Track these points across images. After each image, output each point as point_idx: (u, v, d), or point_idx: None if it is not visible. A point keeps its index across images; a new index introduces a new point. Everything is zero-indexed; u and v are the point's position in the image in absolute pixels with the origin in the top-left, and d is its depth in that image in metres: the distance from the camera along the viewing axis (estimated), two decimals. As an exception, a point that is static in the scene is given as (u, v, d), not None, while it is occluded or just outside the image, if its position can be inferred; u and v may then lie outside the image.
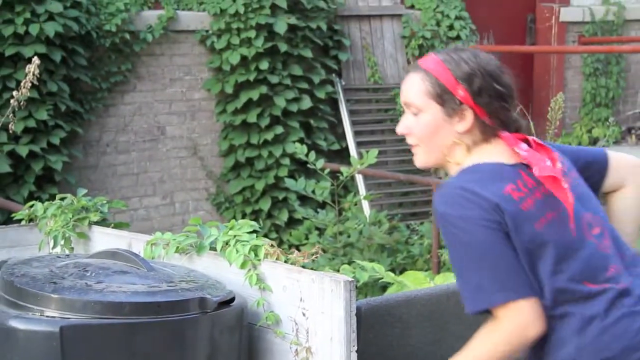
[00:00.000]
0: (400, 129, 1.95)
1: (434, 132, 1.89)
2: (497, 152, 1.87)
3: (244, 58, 6.86)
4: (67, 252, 2.87)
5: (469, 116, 1.87)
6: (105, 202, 3.00)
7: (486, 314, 1.80)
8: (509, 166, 1.84)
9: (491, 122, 1.87)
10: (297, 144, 5.17)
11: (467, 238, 1.76)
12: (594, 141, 8.34)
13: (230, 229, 2.42)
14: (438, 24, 7.81)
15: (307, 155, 4.98)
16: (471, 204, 1.77)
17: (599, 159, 2.03)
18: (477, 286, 1.76)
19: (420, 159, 1.95)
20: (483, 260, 1.76)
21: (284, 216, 6.93)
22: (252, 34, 6.80)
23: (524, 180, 1.82)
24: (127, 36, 6.57)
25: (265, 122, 6.88)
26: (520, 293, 1.75)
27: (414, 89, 1.91)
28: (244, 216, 6.91)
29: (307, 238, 6.33)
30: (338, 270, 3.16)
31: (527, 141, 1.89)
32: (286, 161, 6.88)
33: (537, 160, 1.81)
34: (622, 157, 2.06)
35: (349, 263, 3.98)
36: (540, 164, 1.80)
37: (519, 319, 1.75)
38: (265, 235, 6.68)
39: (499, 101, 1.87)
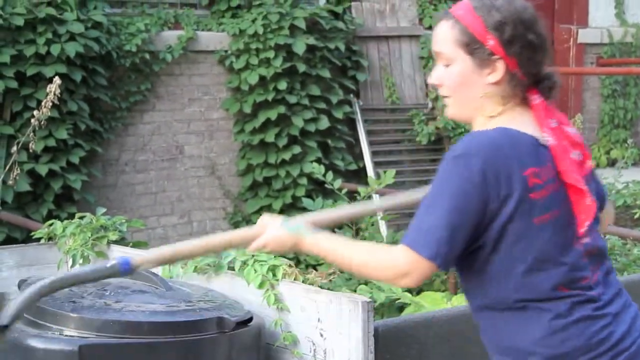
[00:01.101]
0: (432, 79, 1.85)
1: (464, 83, 1.80)
2: (529, 124, 1.78)
3: (262, 78, 6.89)
4: (86, 270, 2.88)
5: (500, 67, 1.77)
6: (123, 221, 3.02)
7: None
8: (543, 147, 1.75)
9: (522, 75, 1.78)
10: (315, 164, 5.17)
11: (456, 186, 1.69)
12: (612, 162, 8.29)
13: (249, 249, 2.42)
14: (456, 44, 7.82)
15: (324, 175, 4.98)
16: (488, 160, 1.69)
17: (603, 200, 1.96)
18: (427, 230, 1.70)
19: (451, 111, 1.86)
20: (450, 214, 1.69)
21: (301, 236, 6.91)
22: (270, 54, 6.84)
23: (547, 169, 1.74)
24: (147, 56, 6.62)
25: (283, 141, 6.90)
26: (438, 257, 1.69)
27: (443, 37, 1.81)
28: (261, 236, 6.90)
29: (324, 258, 6.31)
30: (355, 291, 3.15)
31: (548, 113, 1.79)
32: (304, 181, 6.89)
33: (563, 153, 1.74)
34: (609, 207, 2.01)
35: (366, 283, 3.97)
36: (566, 164, 1.73)
37: (410, 268, 1.71)
38: (283, 256, 6.67)
39: (531, 52, 1.77)
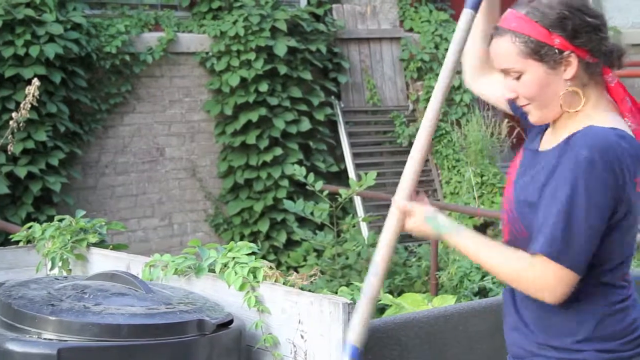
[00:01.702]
0: (507, 94, 1.83)
1: (542, 88, 1.78)
2: (612, 109, 1.80)
3: (243, 80, 6.88)
4: (65, 273, 2.86)
5: (573, 61, 1.76)
6: (103, 223, 3.00)
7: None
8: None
9: (594, 59, 1.78)
10: (296, 166, 5.17)
11: (594, 190, 1.68)
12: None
13: (229, 250, 2.42)
14: (436, 46, 7.86)
15: (305, 177, 4.99)
16: (621, 163, 1.70)
17: None
18: (563, 238, 1.70)
19: (535, 117, 1.83)
20: (589, 221, 1.70)
21: (283, 238, 6.92)
22: (252, 56, 6.83)
23: None
24: (127, 58, 6.59)
25: (264, 143, 6.89)
26: (581, 269, 1.72)
27: (506, 53, 1.79)
28: (242, 238, 6.90)
29: (305, 260, 6.32)
30: (336, 292, 3.15)
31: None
32: (285, 183, 6.89)
33: None
34: None
35: (347, 285, 3.97)
36: None
37: (555, 281, 1.71)
38: (264, 257, 6.66)
39: (597, 34, 1.77)
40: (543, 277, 1.72)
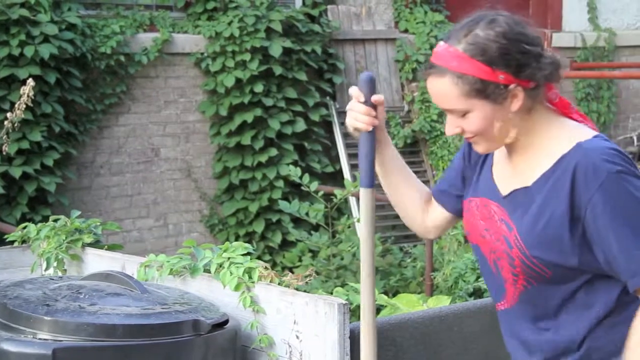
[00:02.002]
0: (449, 131, 1.78)
1: (488, 123, 1.72)
2: (579, 125, 1.76)
3: (238, 81, 6.88)
4: (60, 274, 2.86)
5: (519, 94, 1.70)
6: (98, 223, 3.00)
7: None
8: None
9: (535, 83, 1.71)
10: (291, 167, 5.17)
11: None
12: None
13: (224, 251, 2.43)
14: (431, 48, 7.85)
15: (301, 177, 4.99)
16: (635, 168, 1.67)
17: None
18: None
19: (484, 147, 1.78)
20: None
21: (278, 238, 6.92)
22: (247, 56, 6.83)
23: None
24: (122, 58, 6.59)
25: (259, 144, 6.89)
26: None
27: (449, 95, 1.71)
28: (237, 238, 6.90)
29: (300, 260, 6.32)
30: (331, 293, 3.16)
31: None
32: (280, 183, 6.89)
33: None
34: None
35: (342, 285, 3.97)
36: None
37: None
38: (259, 258, 6.66)
39: (538, 61, 1.70)
40: None
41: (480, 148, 1.80)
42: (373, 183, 1.92)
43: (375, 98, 1.88)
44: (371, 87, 1.88)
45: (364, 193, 1.91)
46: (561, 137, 1.74)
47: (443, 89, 1.71)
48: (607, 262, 1.68)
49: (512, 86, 1.69)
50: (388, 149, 1.97)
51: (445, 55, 1.71)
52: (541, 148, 1.75)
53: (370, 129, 1.88)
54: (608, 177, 1.64)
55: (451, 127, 1.77)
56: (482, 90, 1.69)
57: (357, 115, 1.87)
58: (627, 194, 1.64)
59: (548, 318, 1.79)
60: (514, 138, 1.76)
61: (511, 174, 1.80)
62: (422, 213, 2.02)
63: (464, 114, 1.73)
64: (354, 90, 1.88)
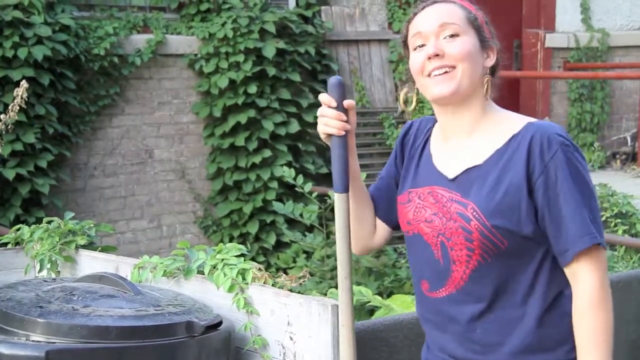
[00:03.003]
0: (430, 50, 1.82)
1: (472, 56, 1.83)
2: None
3: (232, 82, 6.88)
4: (53, 276, 2.86)
5: (492, 55, 1.88)
6: (92, 225, 3.00)
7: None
8: None
9: (496, 60, 1.89)
10: (285, 168, 5.17)
11: (587, 175, 1.78)
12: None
13: (218, 252, 2.42)
14: (425, 48, 7.87)
15: (295, 178, 4.99)
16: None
17: None
18: (594, 220, 1.76)
19: (452, 86, 1.82)
20: (593, 201, 1.78)
21: (272, 239, 6.92)
22: (240, 58, 6.83)
23: None
24: (116, 60, 6.58)
25: (253, 145, 6.89)
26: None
27: (453, 12, 1.85)
28: (231, 239, 6.90)
29: (294, 261, 6.32)
30: (325, 294, 3.16)
31: None
32: (274, 184, 6.89)
33: None
34: None
35: (337, 287, 3.98)
36: None
37: (605, 263, 1.77)
38: (253, 259, 6.66)
39: (499, 45, 1.91)
40: (603, 268, 1.76)
41: (444, 86, 1.83)
42: (347, 188, 1.93)
43: (346, 103, 1.93)
44: (341, 91, 1.89)
45: (339, 198, 1.92)
46: (512, 118, 1.86)
47: (450, 8, 1.86)
48: (553, 226, 1.76)
49: (491, 42, 1.88)
50: (353, 161, 2.03)
51: None
52: (492, 129, 1.85)
53: (343, 133, 1.92)
54: (561, 148, 1.75)
55: (432, 47, 1.83)
56: (477, 27, 1.85)
57: (329, 120, 1.92)
58: (576, 165, 1.76)
59: (489, 303, 1.82)
60: (467, 97, 1.84)
61: (458, 157, 1.88)
62: (373, 235, 2.09)
63: (455, 34, 1.83)
64: (323, 97, 1.92)
